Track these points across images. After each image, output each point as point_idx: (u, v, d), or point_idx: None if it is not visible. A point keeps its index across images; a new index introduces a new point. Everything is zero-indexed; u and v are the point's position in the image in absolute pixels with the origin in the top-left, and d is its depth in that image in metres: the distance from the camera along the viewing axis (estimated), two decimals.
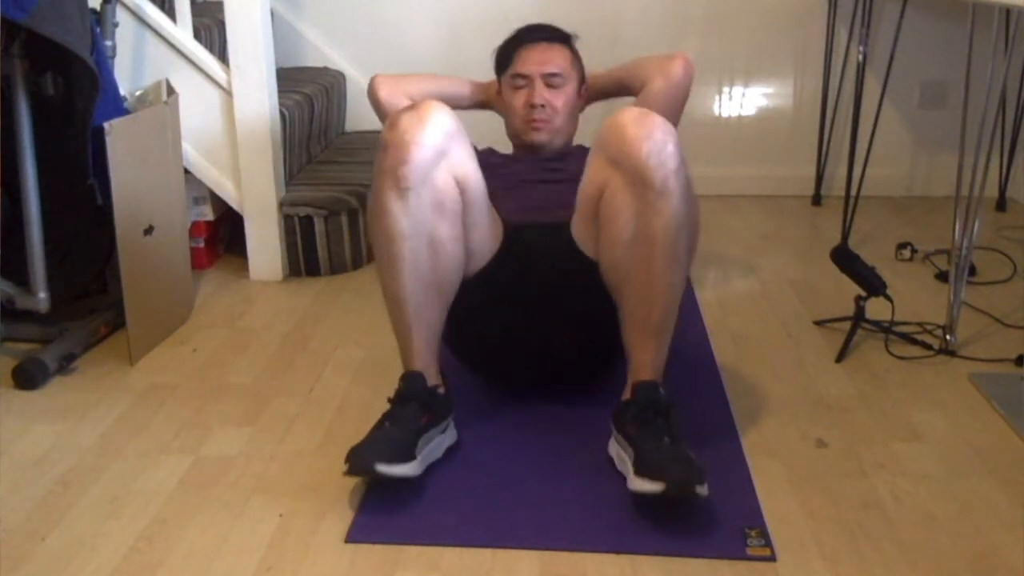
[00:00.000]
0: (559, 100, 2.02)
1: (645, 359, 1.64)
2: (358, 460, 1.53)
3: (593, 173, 1.67)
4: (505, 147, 2.13)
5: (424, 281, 1.64)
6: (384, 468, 1.51)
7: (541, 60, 2.03)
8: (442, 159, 1.61)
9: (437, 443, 1.66)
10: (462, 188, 1.65)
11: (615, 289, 1.66)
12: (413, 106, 1.62)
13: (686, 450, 1.53)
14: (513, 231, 1.78)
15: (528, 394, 1.90)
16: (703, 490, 1.45)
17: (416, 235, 1.61)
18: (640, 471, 1.49)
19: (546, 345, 1.80)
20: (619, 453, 1.62)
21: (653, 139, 1.56)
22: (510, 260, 1.75)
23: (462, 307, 1.71)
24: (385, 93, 2.11)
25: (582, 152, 2.07)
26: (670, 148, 1.56)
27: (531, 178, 1.96)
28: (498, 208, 1.79)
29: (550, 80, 2.02)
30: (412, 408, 1.63)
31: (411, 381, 1.66)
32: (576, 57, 2.12)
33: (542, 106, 2.00)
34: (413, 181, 1.58)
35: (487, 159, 1.97)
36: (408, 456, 1.56)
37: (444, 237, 1.63)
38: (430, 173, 1.60)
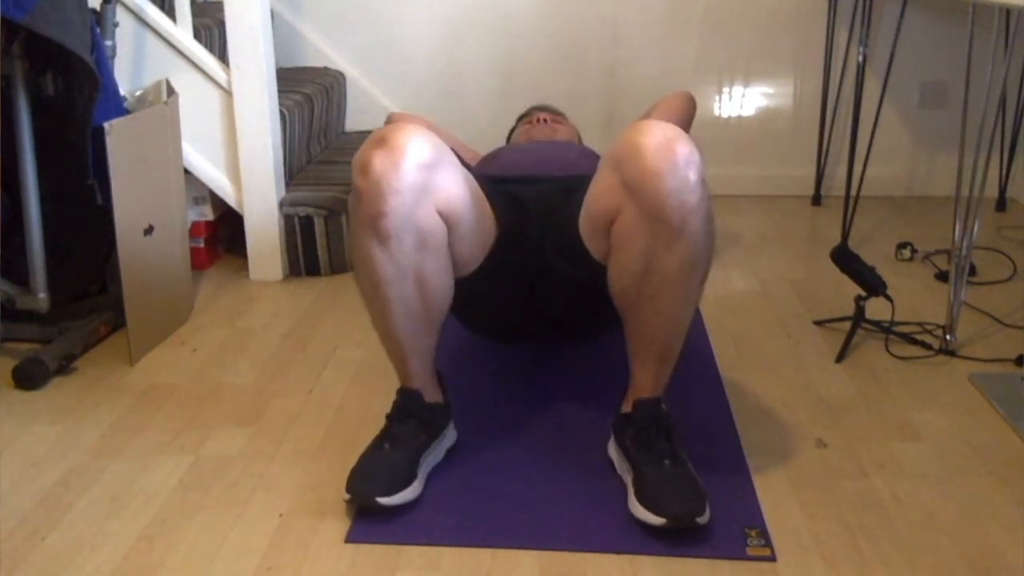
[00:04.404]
0: (561, 128, 2.22)
1: (647, 379, 1.60)
2: (359, 492, 1.52)
3: (606, 189, 1.53)
4: None
5: (414, 317, 1.58)
6: (385, 500, 1.51)
7: (546, 111, 2.31)
8: (423, 197, 1.48)
9: (437, 452, 1.66)
10: (447, 214, 1.53)
11: (621, 310, 1.60)
12: (384, 141, 1.46)
13: (687, 471, 1.52)
14: (510, 185, 1.79)
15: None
16: (703, 519, 1.45)
17: (402, 278, 1.52)
18: (641, 498, 1.49)
19: (548, 316, 1.85)
20: (619, 460, 1.61)
21: (676, 175, 1.41)
22: (507, 243, 1.72)
23: (459, 299, 1.67)
24: (396, 114, 2.29)
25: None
26: (692, 181, 1.42)
27: (538, 141, 2.11)
28: (498, 164, 1.85)
29: (554, 117, 2.27)
30: (411, 426, 1.61)
31: (409, 398, 1.64)
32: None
33: (545, 121, 2.19)
34: (394, 229, 1.47)
35: (482, 162, 2.02)
36: (409, 479, 1.55)
37: (430, 271, 1.54)
38: (412, 216, 1.48)
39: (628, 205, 1.48)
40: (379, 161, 1.45)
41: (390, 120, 2.23)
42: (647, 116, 2.24)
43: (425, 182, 1.48)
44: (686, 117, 2.25)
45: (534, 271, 1.78)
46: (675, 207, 1.42)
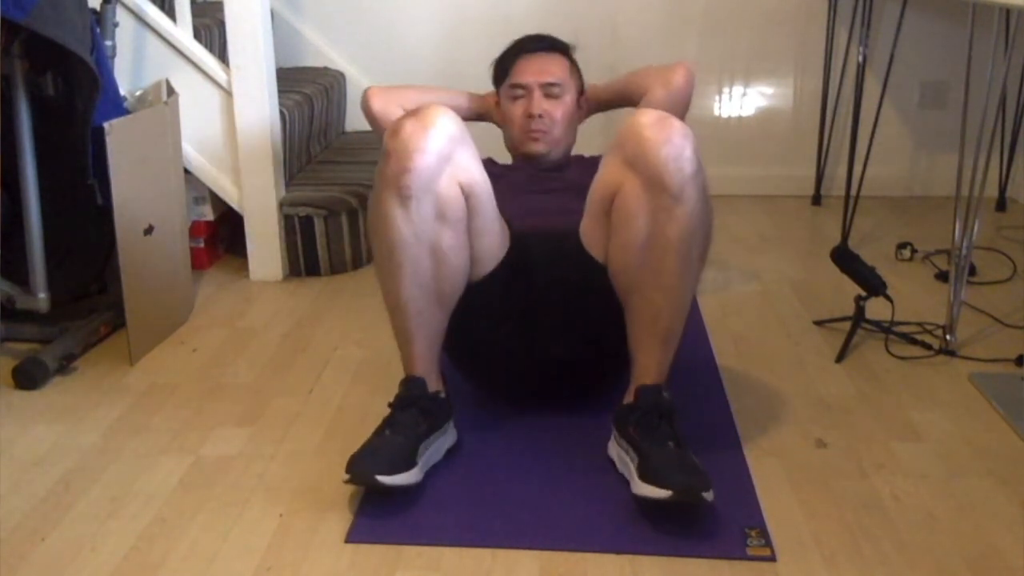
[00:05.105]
0: (558, 111, 2.04)
1: (650, 363, 1.62)
2: (359, 470, 1.52)
3: (608, 173, 1.63)
4: (503, 158, 2.13)
5: (425, 289, 1.61)
6: (384, 479, 1.51)
7: (539, 70, 2.06)
8: (446, 166, 1.57)
9: (437, 447, 1.66)
10: (468, 194, 1.61)
11: (623, 292, 1.63)
12: (416, 111, 1.58)
13: (690, 456, 1.53)
14: (515, 238, 1.74)
15: (529, 398, 1.90)
16: (709, 496, 1.45)
17: (418, 244, 1.58)
18: (645, 476, 1.49)
19: (549, 356, 1.77)
20: (620, 455, 1.61)
21: (672, 143, 1.53)
22: (514, 267, 1.72)
23: (464, 314, 1.68)
24: (379, 105, 2.08)
25: (581, 162, 2.08)
26: (688, 153, 1.53)
27: (531, 187, 1.96)
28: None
29: (548, 90, 2.04)
30: (412, 414, 1.62)
31: (412, 386, 1.65)
32: (575, 67, 2.14)
33: (540, 116, 2.02)
34: (416, 189, 1.55)
35: (487, 168, 1.97)
36: (408, 464, 1.56)
37: (447, 246, 1.60)
38: (434, 181, 1.56)
39: (629, 178, 1.57)
40: (410, 125, 1.56)
41: (366, 97, 2.09)
42: (635, 80, 2.16)
43: (450, 152, 1.57)
44: (680, 107, 2.10)
45: (539, 296, 1.74)
46: (674, 172, 1.52)
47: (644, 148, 1.54)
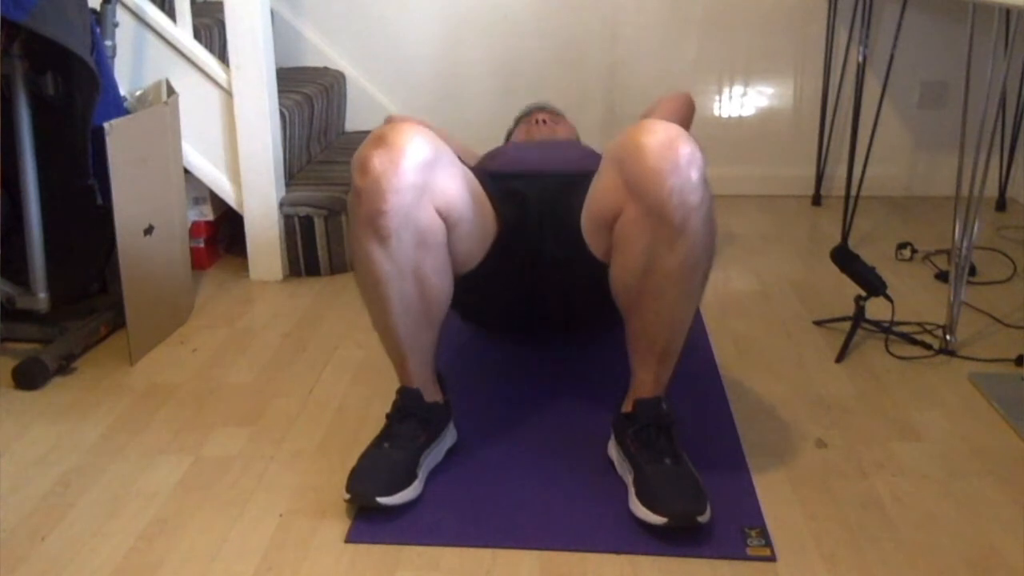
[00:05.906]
0: (560, 129, 2.21)
1: (648, 378, 1.60)
2: (359, 490, 1.52)
3: (607, 187, 1.55)
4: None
5: (413, 314, 1.58)
6: (385, 500, 1.51)
7: (544, 111, 2.30)
8: (423, 195, 1.49)
9: (437, 452, 1.66)
10: (446, 213, 1.55)
11: (623, 308, 1.60)
12: (383, 140, 1.47)
13: (688, 470, 1.52)
14: (511, 180, 1.78)
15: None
16: (704, 518, 1.45)
17: (401, 276, 1.53)
18: (642, 497, 1.49)
19: (549, 292, 1.82)
20: (619, 460, 1.61)
21: (678, 174, 1.41)
22: (509, 218, 1.73)
23: (461, 299, 1.68)
24: (396, 117, 2.18)
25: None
26: (694, 180, 1.42)
27: (534, 144, 2.10)
28: (500, 161, 1.85)
29: (553, 117, 2.27)
30: (411, 426, 1.61)
31: (409, 398, 1.64)
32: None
33: (544, 122, 2.18)
34: (394, 229, 1.48)
35: (484, 159, 2.01)
36: (409, 479, 1.55)
37: (430, 270, 1.55)
38: (411, 216, 1.49)
39: (630, 204, 1.49)
40: (378, 160, 1.46)
41: (388, 123, 2.20)
42: (647, 116, 2.23)
43: (424, 181, 1.50)
44: (685, 120, 2.23)
45: (533, 266, 1.78)
46: (676, 206, 1.43)
47: (646, 177, 1.43)
